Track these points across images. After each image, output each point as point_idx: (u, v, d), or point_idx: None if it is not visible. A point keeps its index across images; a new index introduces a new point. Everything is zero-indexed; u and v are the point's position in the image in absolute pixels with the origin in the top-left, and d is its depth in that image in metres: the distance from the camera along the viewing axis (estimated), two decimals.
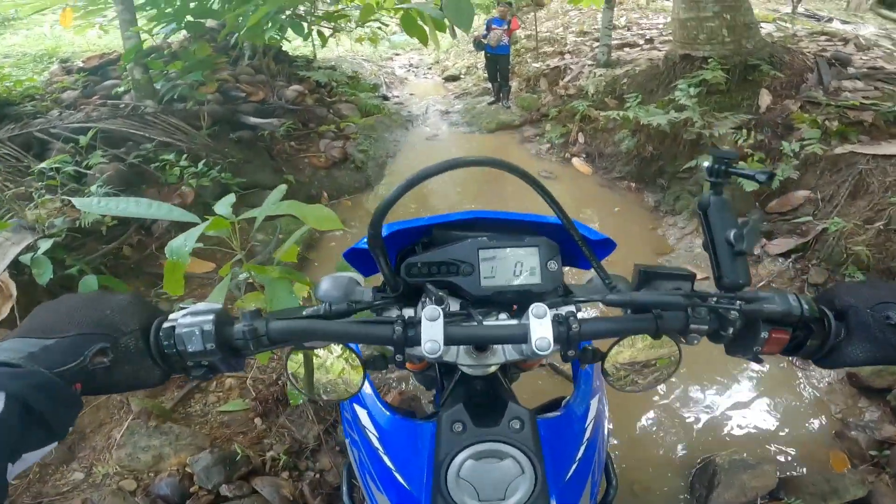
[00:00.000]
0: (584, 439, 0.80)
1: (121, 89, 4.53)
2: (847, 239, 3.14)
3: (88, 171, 3.27)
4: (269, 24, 4.03)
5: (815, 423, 2.45)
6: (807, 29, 6.97)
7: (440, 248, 0.75)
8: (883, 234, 3.07)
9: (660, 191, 4.67)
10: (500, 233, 0.78)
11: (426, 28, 3.01)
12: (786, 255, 3.42)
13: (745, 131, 4.09)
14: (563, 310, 0.67)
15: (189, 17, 4.18)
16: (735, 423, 2.46)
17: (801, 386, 2.65)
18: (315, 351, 0.67)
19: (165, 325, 0.57)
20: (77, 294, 0.60)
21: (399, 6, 2.68)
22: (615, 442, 2.36)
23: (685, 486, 2.17)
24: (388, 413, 0.83)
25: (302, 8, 4.24)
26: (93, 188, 2.99)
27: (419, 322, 0.59)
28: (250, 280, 1.87)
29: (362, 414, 0.86)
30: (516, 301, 0.73)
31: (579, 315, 0.64)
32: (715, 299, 0.61)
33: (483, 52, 7.47)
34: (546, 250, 0.74)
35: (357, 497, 0.96)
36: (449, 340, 0.59)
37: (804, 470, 2.21)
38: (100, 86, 4.78)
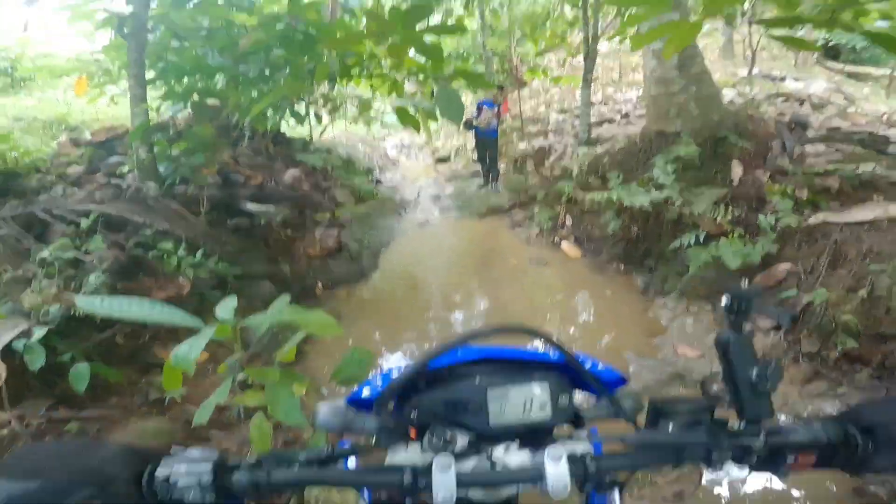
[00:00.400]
0: None
1: (125, 169, 4.57)
2: (833, 309, 3.20)
3: (87, 257, 3.31)
4: (271, 112, 4.24)
5: (834, 481, 2.41)
6: (764, 91, 7.40)
7: (446, 388, 0.73)
8: (867, 301, 3.13)
9: (648, 272, 4.75)
10: (508, 367, 0.78)
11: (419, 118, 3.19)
12: (776, 328, 3.47)
13: (722, 207, 4.25)
14: (579, 449, 0.66)
15: (195, 97, 4.31)
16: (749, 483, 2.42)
17: None
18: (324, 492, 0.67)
19: (159, 472, 0.56)
20: (65, 440, 0.60)
21: (396, 104, 2.87)
22: None
23: None
24: None
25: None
26: (91, 277, 3.03)
27: (429, 468, 0.59)
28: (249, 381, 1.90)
29: None
30: (529, 432, 0.72)
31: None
32: (739, 434, 0.63)
33: (472, 133, 7.66)
34: (556, 385, 0.72)
35: None
36: (461, 485, 0.59)
37: None
38: (104, 162, 4.79)
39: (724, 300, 0.67)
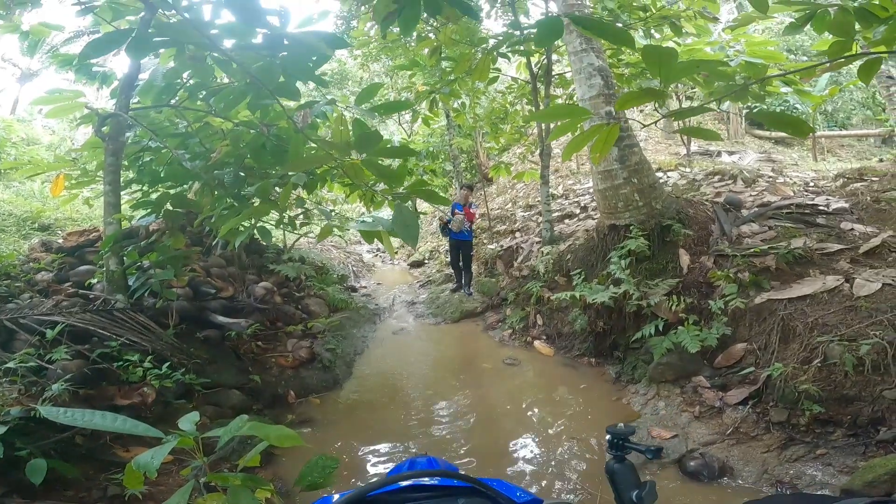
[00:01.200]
0: None
1: (94, 280, 4.53)
2: (792, 380, 3.33)
3: (50, 366, 3.29)
4: (242, 229, 4.33)
5: None
6: (703, 170, 7.83)
7: None
8: (823, 369, 3.28)
9: (618, 363, 4.88)
10: (438, 493, 0.89)
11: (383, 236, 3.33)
12: (744, 402, 3.58)
13: (675, 297, 4.46)
14: None
15: (168, 206, 4.23)
16: None
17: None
18: None
19: None
20: None
21: (359, 226, 3.04)
22: None
23: None
24: None
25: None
26: (54, 386, 3.02)
27: None
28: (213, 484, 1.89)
29: None
30: None
31: None
32: None
33: (447, 238, 7.84)
34: None
35: None
36: None
37: None
38: (74, 270, 4.76)
39: (607, 438, 0.85)
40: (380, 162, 2.74)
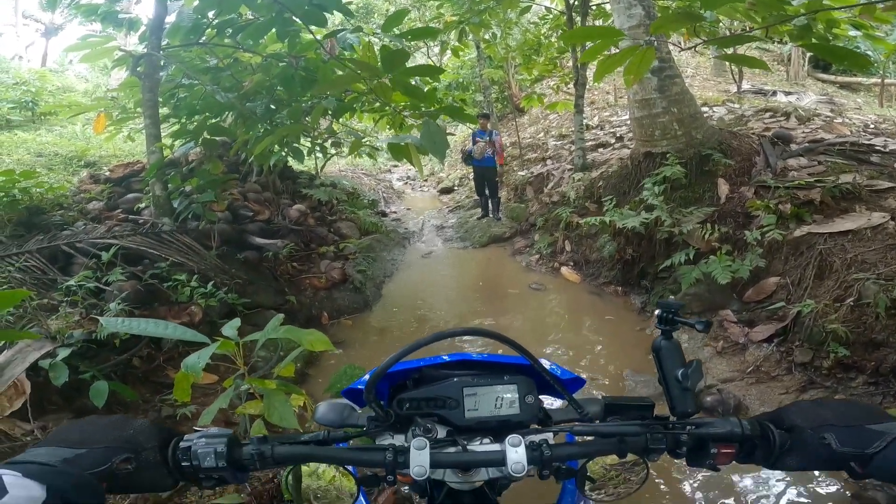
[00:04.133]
0: None
1: (142, 205, 4.82)
2: (822, 318, 3.28)
3: (107, 287, 3.53)
4: (274, 150, 4.44)
5: (831, 487, 2.44)
6: (754, 107, 7.44)
7: (429, 386, 0.84)
8: (856, 310, 3.21)
9: (644, 292, 4.85)
10: (483, 370, 0.90)
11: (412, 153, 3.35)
12: (769, 339, 3.55)
13: (709, 225, 4.34)
14: (538, 437, 0.75)
15: (205, 134, 4.47)
16: (748, 489, 2.46)
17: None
18: (314, 467, 0.79)
19: (182, 444, 0.68)
20: (100, 416, 0.72)
21: (388, 140, 3.04)
22: None
23: None
24: None
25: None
26: (111, 305, 3.25)
27: (408, 450, 0.69)
28: (251, 391, 2.06)
29: None
30: (500, 427, 0.81)
31: (559, 437, 0.78)
32: (670, 426, 0.74)
33: (472, 166, 7.78)
34: (524, 387, 0.82)
35: None
36: (435, 465, 0.69)
37: None
38: (123, 199, 5.07)
39: (656, 312, 0.81)
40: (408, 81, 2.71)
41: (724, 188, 4.68)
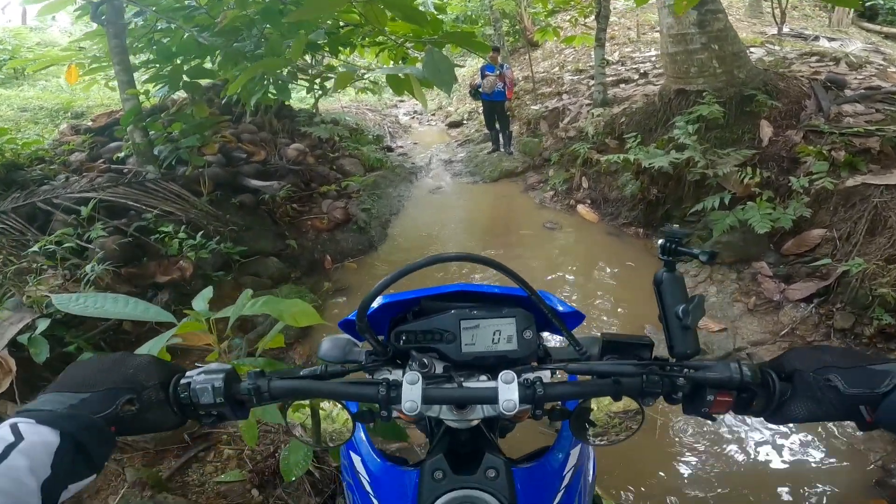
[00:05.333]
0: (562, 486, 0.84)
1: (121, 154, 4.59)
2: (870, 280, 2.98)
3: (89, 246, 3.25)
4: (260, 87, 4.11)
5: (854, 473, 2.30)
6: (796, 50, 6.90)
7: (427, 318, 0.81)
8: None
9: None
10: (482, 304, 0.84)
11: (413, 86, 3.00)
12: (808, 299, 3.25)
13: (749, 168, 3.97)
14: (533, 375, 0.70)
15: (186, 78, 4.21)
16: (768, 476, 2.31)
17: (837, 435, 2.49)
18: (311, 404, 0.76)
19: (182, 380, 0.67)
20: (103, 355, 0.70)
21: (385, 71, 2.66)
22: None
23: None
24: (379, 460, 0.90)
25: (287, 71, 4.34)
26: (88, 267, 2.97)
27: (402, 384, 0.67)
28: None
29: (356, 460, 0.93)
30: (495, 365, 0.78)
31: (556, 376, 0.76)
32: (667, 368, 0.68)
33: (481, 100, 7.47)
34: (522, 321, 0.79)
35: None
36: (427, 400, 0.67)
37: None
38: (105, 148, 4.80)
39: (659, 242, 0.72)
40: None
41: (767, 130, 4.27)
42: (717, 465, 2.40)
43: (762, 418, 0.68)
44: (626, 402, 0.72)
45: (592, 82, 7.23)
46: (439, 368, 0.78)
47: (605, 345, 0.77)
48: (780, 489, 2.26)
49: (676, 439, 2.56)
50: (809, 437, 2.49)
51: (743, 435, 2.54)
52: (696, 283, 3.83)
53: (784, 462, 2.39)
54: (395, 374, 0.80)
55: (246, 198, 4.58)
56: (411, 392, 0.67)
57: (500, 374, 0.67)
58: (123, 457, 2.26)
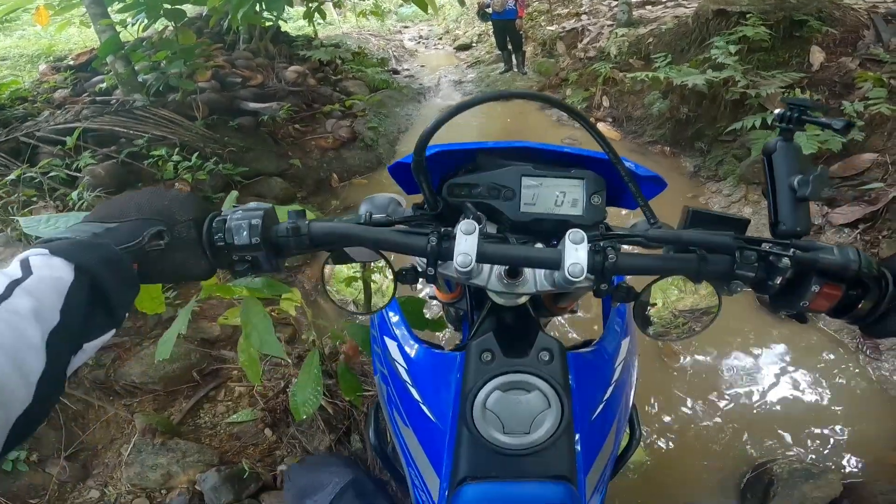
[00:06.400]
0: (613, 380, 0.78)
1: (103, 85, 4.31)
2: None
3: (79, 175, 3.03)
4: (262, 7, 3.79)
5: (885, 424, 2.14)
6: None
7: (484, 172, 0.74)
8: None
9: (699, 155, 4.29)
10: (547, 164, 0.75)
11: None
12: (852, 225, 3.01)
13: (797, 90, 3.67)
14: (602, 242, 0.61)
15: (166, 5, 3.87)
16: (792, 425, 2.15)
17: (868, 383, 2.32)
18: (363, 275, 0.67)
19: (217, 218, 0.60)
20: (139, 190, 0.62)
21: None
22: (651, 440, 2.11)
23: (735, 496, 1.91)
24: (417, 344, 0.81)
25: None
26: (74, 194, 2.77)
27: (454, 237, 0.58)
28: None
29: (392, 346, 0.84)
30: (555, 231, 0.71)
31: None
32: (769, 245, 0.57)
33: (490, 21, 7.07)
34: (591, 184, 0.72)
35: (383, 436, 0.95)
36: (481, 258, 0.57)
37: (872, 477, 1.94)
38: (89, 82, 4.54)
39: (777, 111, 0.62)
40: None
41: (818, 56, 3.95)
42: (723, 407, 2.25)
43: (857, 326, 0.59)
44: (697, 299, 0.61)
45: (615, 3, 6.80)
46: (492, 230, 0.71)
47: (691, 218, 0.63)
48: (795, 435, 2.11)
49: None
50: (837, 382, 2.33)
51: (758, 377, 2.38)
52: (730, 203, 3.62)
53: (804, 408, 2.25)
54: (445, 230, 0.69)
55: (244, 120, 4.28)
56: (466, 244, 0.57)
57: (569, 231, 0.57)
58: (133, 401, 2.16)
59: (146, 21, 4.10)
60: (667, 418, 2.19)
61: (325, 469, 1.67)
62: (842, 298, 0.56)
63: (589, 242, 0.57)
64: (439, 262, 0.60)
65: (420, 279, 0.65)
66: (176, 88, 3.98)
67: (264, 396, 2.15)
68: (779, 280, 0.56)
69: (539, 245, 0.70)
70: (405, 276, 0.66)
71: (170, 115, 3.48)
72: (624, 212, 2.82)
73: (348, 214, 0.70)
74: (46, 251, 0.46)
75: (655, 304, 0.62)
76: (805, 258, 0.54)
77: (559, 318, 2.45)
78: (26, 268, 0.44)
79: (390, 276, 0.65)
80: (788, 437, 2.09)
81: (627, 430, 0.90)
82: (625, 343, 0.83)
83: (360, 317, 1.74)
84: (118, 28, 3.90)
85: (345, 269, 0.67)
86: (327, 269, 0.67)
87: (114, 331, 0.49)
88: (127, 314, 0.52)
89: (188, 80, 3.96)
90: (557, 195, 0.71)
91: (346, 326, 1.70)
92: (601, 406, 0.73)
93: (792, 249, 0.55)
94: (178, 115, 3.57)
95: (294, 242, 0.60)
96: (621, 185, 0.64)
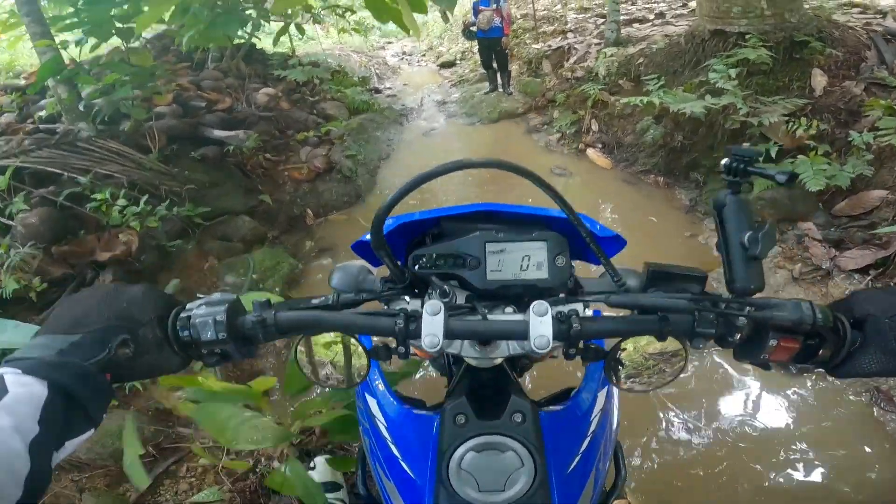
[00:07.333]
0: (589, 432, 0.79)
1: (43, 113, 3.96)
2: None
3: (11, 223, 2.67)
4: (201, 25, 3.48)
5: None
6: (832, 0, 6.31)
7: (448, 241, 0.74)
8: None
9: (695, 187, 4.06)
10: (510, 226, 0.74)
11: (401, 10, 2.44)
12: (863, 270, 2.79)
13: (802, 119, 3.44)
14: (567, 307, 0.64)
15: (118, 24, 3.58)
16: (818, 492, 1.95)
17: (884, 429, 2.15)
18: (323, 338, 0.67)
19: (182, 314, 0.59)
20: (95, 288, 0.61)
21: None
22: None
23: None
24: (396, 403, 0.83)
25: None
26: (13, 253, 2.40)
27: (421, 315, 0.59)
28: None
29: (372, 403, 0.86)
30: (523, 295, 0.71)
31: (585, 312, 0.69)
32: (724, 304, 0.58)
33: (476, 40, 6.87)
34: (555, 245, 0.72)
35: (371, 484, 0.95)
36: (449, 335, 0.58)
37: None
38: (37, 105, 4.16)
39: (723, 162, 0.63)
40: None
41: (820, 80, 3.75)
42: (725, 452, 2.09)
43: (823, 370, 0.60)
44: (664, 343, 0.62)
45: (601, 21, 6.64)
46: (461, 298, 0.72)
47: (650, 276, 0.65)
48: (805, 487, 1.87)
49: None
50: (852, 425, 2.15)
51: (768, 424, 2.20)
52: None
53: (815, 458, 2.05)
54: (414, 305, 0.72)
55: (209, 150, 3.95)
56: (432, 324, 0.57)
57: (533, 304, 0.58)
58: (82, 477, 1.92)
59: (90, 42, 3.81)
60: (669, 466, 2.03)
61: None
62: (801, 349, 0.58)
63: (555, 307, 0.59)
64: (410, 340, 0.60)
65: (393, 356, 0.65)
66: (129, 115, 3.67)
67: (231, 476, 1.93)
68: (738, 336, 0.59)
69: (510, 309, 0.71)
70: (378, 354, 0.66)
71: (119, 147, 3.17)
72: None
73: (317, 296, 0.69)
74: (19, 370, 0.47)
75: (619, 355, 0.64)
76: (759, 317, 0.56)
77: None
78: (1, 387, 0.46)
79: (363, 356, 0.66)
80: (804, 500, 1.92)
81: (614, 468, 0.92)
82: (602, 393, 0.84)
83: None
84: (64, 48, 3.60)
85: (326, 338, 0.66)
86: (300, 348, 0.66)
87: (93, 430, 0.52)
88: (105, 414, 0.53)
89: (142, 106, 3.65)
90: (522, 259, 0.71)
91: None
92: (577, 458, 0.75)
93: (747, 308, 0.56)
94: (129, 148, 3.24)
95: (262, 334, 0.60)
96: (585, 242, 0.63)
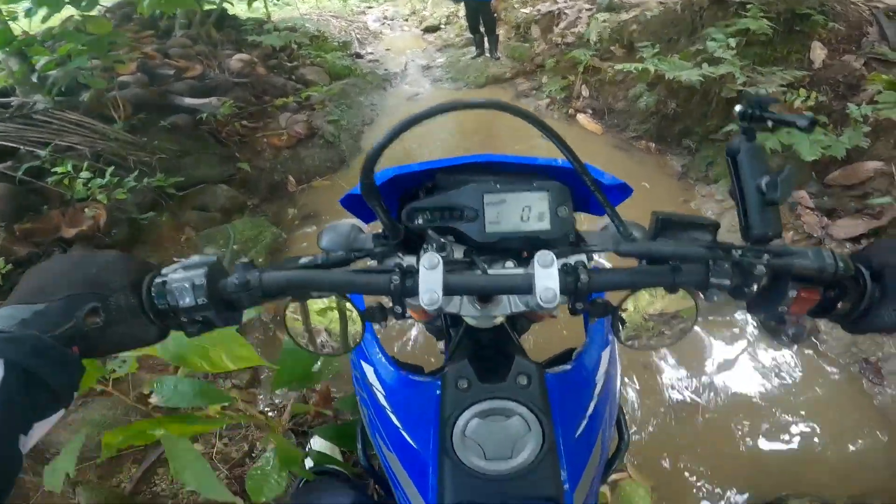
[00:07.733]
0: (595, 394, 0.76)
1: None
2: None
3: None
4: None
5: (890, 451, 1.96)
6: None
7: (443, 193, 0.70)
8: None
9: (687, 154, 4.02)
10: (509, 177, 0.71)
11: None
12: (854, 240, 2.77)
13: (800, 90, 3.37)
14: (573, 259, 0.63)
15: None
16: (795, 455, 1.96)
17: (871, 401, 2.15)
18: (314, 303, 0.61)
19: (157, 280, 0.54)
20: (65, 255, 0.59)
21: None
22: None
23: None
24: (393, 370, 0.79)
25: None
26: None
27: (418, 271, 0.55)
28: None
29: (369, 371, 0.82)
30: (524, 248, 0.68)
31: (590, 265, 0.65)
32: (740, 252, 0.55)
33: (463, 2, 6.61)
34: (556, 195, 0.68)
35: (373, 456, 0.91)
36: (448, 290, 0.54)
37: None
38: None
39: (736, 108, 0.57)
40: None
41: (819, 52, 3.68)
42: (732, 433, 2.06)
43: (839, 324, 0.57)
44: (666, 303, 0.58)
45: None
46: (458, 253, 0.68)
47: (659, 224, 0.60)
48: (811, 469, 1.89)
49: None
50: (856, 409, 2.13)
51: (774, 407, 2.17)
52: (723, 210, 3.35)
53: (820, 440, 2.02)
54: (409, 261, 0.68)
55: (180, 119, 3.73)
56: (430, 279, 0.53)
57: (537, 255, 0.54)
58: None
59: (42, 12, 3.55)
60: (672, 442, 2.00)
61: (327, 492, 1.50)
62: (820, 301, 0.56)
63: (559, 259, 0.55)
64: (406, 298, 0.56)
65: (389, 316, 0.61)
66: (88, 86, 3.46)
67: (227, 462, 1.89)
68: (755, 287, 0.55)
69: (510, 263, 0.68)
70: (373, 316, 0.63)
71: (79, 118, 2.95)
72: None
73: (304, 256, 0.64)
74: None
75: (627, 309, 0.59)
76: (779, 264, 0.54)
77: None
78: None
79: (357, 319, 0.61)
80: (795, 468, 1.92)
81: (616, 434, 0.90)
82: (605, 354, 0.82)
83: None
84: (13, 20, 3.35)
85: (318, 302, 0.60)
86: (290, 313, 0.60)
87: (63, 410, 0.47)
88: (76, 392, 0.48)
89: (102, 75, 3.42)
90: (522, 210, 0.68)
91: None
92: (584, 421, 0.72)
93: (766, 256, 0.54)
94: (91, 119, 3.03)
95: (246, 298, 0.55)
96: (588, 191, 0.59)
